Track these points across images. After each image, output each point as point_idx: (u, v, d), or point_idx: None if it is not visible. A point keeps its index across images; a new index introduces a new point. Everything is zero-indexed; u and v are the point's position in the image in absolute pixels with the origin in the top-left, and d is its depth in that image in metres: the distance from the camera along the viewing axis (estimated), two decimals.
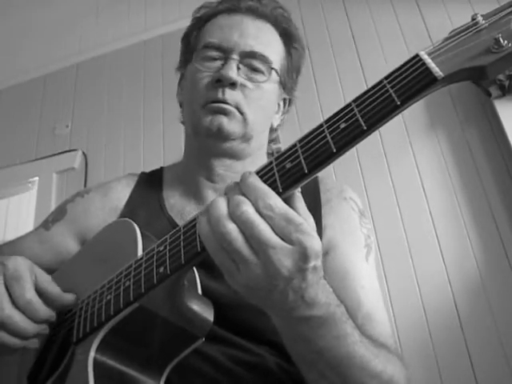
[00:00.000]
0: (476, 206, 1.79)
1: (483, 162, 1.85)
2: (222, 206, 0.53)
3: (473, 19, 0.52)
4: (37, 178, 2.42)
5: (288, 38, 1.00)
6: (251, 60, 0.93)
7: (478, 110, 1.93)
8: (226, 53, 0.92)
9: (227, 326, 0.77)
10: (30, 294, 0.67)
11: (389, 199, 1.87)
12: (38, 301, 0.67)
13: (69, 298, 0.72)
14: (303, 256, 0.51)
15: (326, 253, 0.85)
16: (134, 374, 0.65)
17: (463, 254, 1.72)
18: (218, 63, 0.92)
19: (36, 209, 2.31)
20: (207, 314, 0.69)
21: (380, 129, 0.51)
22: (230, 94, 0.89)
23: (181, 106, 1.07)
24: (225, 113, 0.89)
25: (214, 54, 0.93)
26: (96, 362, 0.62)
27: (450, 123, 1.95)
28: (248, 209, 0.51)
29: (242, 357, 0.77)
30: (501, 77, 1.74)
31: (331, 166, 0.53)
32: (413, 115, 1.96)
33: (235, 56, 0.91)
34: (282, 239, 0.51)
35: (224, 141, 0.91)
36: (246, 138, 0.93)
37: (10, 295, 0.66)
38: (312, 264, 0.52)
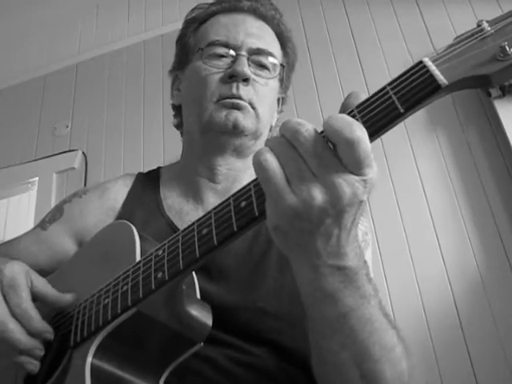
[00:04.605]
0: (476, 206, 1.79)
1: (483, 162, 1.84)
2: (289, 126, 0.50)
3: (478, 25, 0.50)
4: (37, 178, 2.42)
5: (283, 39, 1.02)
6: (258, 57, 0.94)
7: (478, 110, 1.93)
8: (234, 50, 0.93)
9: (226, 328, 0.77)
10: (27, 304, 0.67)
11: (389, 200, 1.87)
12: (34, 310, 0.67)
13: (68, 297, 0.72)
14: (362, 186, 0.48)
15: None
16: (132, 379, 0.65)
17: (463, 254, 1.72)
18: (227, 60, 0.92)
19: (36, 209, 2.31)
20: (206, 318, 0.69)
21: None
22: (244, 90, 0.90)
23: (174, 108, 1.07)
24: (239, 108, 0.90)
25: (221, 51, 0.93)
26: (93, 367, 0.62)
27: (450, 123, 1.94)
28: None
29: (242, 358, 0.76)
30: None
31: None
32: (413, 115, 1.94)
33: (244, 53, 0.92)
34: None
35: (237, 136, 0.91)
36: (256, 134, 0.94)
37: (6, 303, 0.66)
38: (365, 197, 0.49)
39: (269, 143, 0.51)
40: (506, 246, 1.69)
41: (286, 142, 0.49)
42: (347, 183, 0.47)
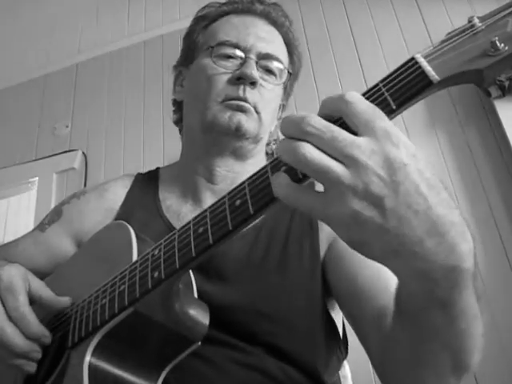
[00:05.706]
0: (476, 205, 1.79)
1: (483, 162, 1.84)
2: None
3: (469, 21, 0.50)
4: (37, 178, 2.43)
5: (291, 47, 1.01)
6: (267, 62, 0.94)
7: (478, 110, 1.92)
8: (243, 52, 0.92)
9: (225, 329, 0.77)
10: (25, 308, 0.67)
11: None
12: (32, 314, 0.67)
13: (64, 301, 0.72)
14: (390, 143, 0.44)
15: (332, 241, 0.86)
16: (130, 378, 0.65)
17: None
18: (236, 62, 0.92)
19: (36, 209, 2.31)
20: (203, 317, 0.68)
21: None
22: (250, 93, 0.90)
23: (175, 104, 1.07)
24: (243, 110, 0.89)
25: (230, 51, 0.92)
26: (91, 367, 0.62)
27: (450, 123, 1.94)
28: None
29: (240, 358, 0.76)
30: (501, 77, 1.73)
31: None
32: (413, 115, 1.95)
33: (253, 56, 0.92)
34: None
35: (238, 139, 0.91)
36: (257, 138, 0.93)
37: (3, 306, 0.66)
38: (405, 159, 0.43)
39: (308, 161, 0.44)
40: (506, 246, 1.69)
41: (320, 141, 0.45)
42: (369, 152, 0.43)
